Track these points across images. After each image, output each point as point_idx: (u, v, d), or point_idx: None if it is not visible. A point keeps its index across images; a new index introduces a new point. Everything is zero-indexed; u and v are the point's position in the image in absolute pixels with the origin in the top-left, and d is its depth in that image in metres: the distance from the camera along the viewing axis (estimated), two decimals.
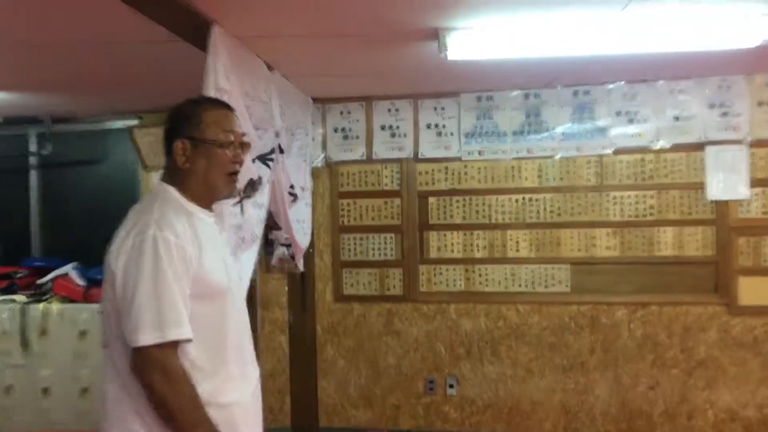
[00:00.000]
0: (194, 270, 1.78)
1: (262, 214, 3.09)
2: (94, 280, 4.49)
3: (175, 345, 1.72)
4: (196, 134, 1.87)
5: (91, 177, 5.13)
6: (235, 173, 1.94)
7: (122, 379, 1.78)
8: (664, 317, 4.20)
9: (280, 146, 3.43)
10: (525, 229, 4.39)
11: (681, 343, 4.18)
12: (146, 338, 1.68)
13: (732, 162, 4.10)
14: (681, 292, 4.18)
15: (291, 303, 4.62)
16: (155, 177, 4.77)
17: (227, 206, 2.60)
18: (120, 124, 4.89)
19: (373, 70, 3.88)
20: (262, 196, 3.10)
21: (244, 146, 1.96)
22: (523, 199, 4.39)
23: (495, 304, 4.38)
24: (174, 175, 1.91)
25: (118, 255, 1.76)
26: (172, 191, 1.88)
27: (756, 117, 4.08)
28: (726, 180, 4.11)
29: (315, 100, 4.50)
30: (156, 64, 3.36)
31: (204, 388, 1.77)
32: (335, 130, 4.62)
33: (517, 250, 4.39)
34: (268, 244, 4.34)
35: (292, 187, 3.70)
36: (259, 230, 3.04)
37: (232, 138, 1.91)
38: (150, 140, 4.75)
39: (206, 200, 1.93)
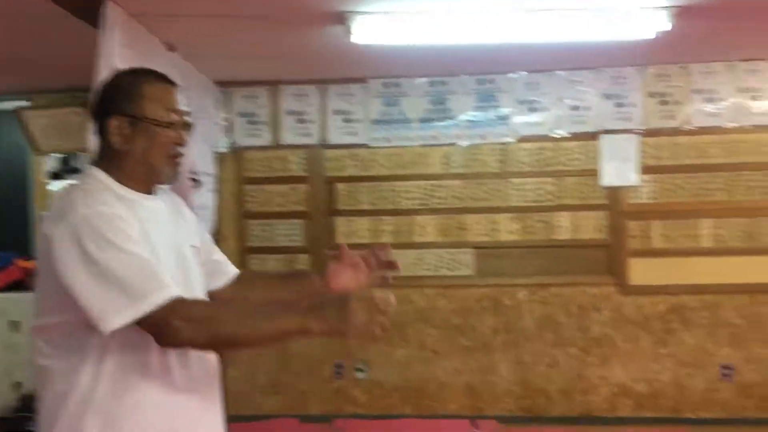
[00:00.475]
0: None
1: None
2: None
3: (173, 302, 1.48)
4: (135, 111, 1.61)
5: None
6: (178, 155, 1.70)
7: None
8: (562, 298, 4.38)
9: None
10: (431, 215, 4.46)
11: (578, 322, 4.38)
12: (119, 319, 1.46)
13: (624, 150, 4.31)
14: (577, 273, 4.38)
15: None
16: (49, 161, 4.55)
17: None
18: (7, 105, 4.60)
19: (279, 54, 3.83)
20: None
21: (187, 126, 1.71)
22: (430, 185, 4.47)
23: (402, 288, 4.44)
24: (106, 157, 1.66)
25: (51, 251, 1.51)
26: (99, 174, 1.64)
27: (647, 107, 4.30)
28: (618, 167, 4.32)
29: (219, 84, 4.40)
30: (46, 42, 3.19)
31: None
32: (240, 115, 4.54)
33: (424, 235, 4.47)
34: None
35: (194, 172, 3.61)
36: None
37: (175, 117, 1.66)
38: (43, 123, 4.51)
39: (145, 184, 1.68)
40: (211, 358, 1.72)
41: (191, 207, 3.60)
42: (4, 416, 4.26)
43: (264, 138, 4.52)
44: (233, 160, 4.55)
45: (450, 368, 4.46)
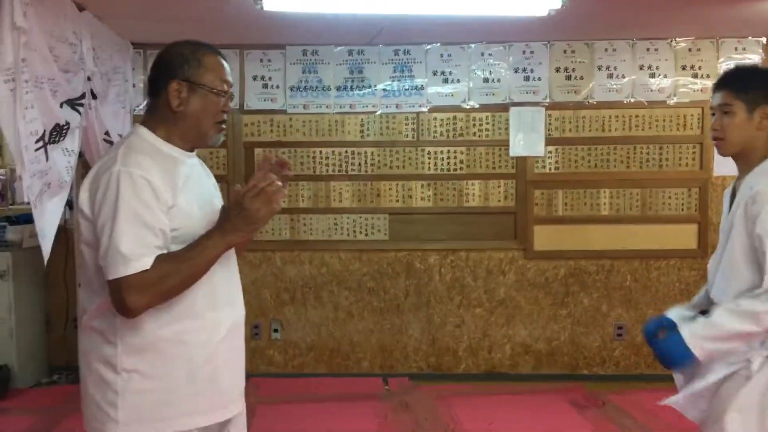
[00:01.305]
0: (168, 207, 1.72)
1: (72, 161, 3.02)
2: None
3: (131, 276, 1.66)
4: (195, 77, 1.80)
5: None
6: (223, 122, 1.88)
7: (88, 317, 1.79)
8: (471, 262, 4.60)
9: (92, 91, 3.34)
10: (347, 181, 4.59)
11: (484, 285, 4.61)
12: (113, 271, 1.65)
13: (531, 122, 4.53)
14: (485, 239, 4.60)
15: None
16: None
17: (28, 153, 2.53)
18: None
19: (194, 17, 3.85)
20: (72, 143, 3.03)
21: (231, 97, 1.91)
22: (346, 152, 4.59)
23: (318, 252, 4.58)
24: (158, 117, 1.83)
25: (86, 195, 1.73)
26: (144, 131, 1.82)
27: (553, 81, 4.52)
28: (526, 138, 4.53)
29: (135, 45, 4.37)
30: None
31: (167, 330, 1.74)
32: None
33: (340, 201, 4.60)
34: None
35: (107, 134, 3.62)
36: (68, 177, 2.97)
37: (226, 87, 1.85)
38: None
39: (190, 144, 1.87)
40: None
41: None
42: None
43: None
44: None
45: (363, 328, 4.64)
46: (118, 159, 1.71)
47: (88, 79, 3.26)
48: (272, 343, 4.64)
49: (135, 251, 1.64)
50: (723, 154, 2.16)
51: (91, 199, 1.71)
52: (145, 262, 1.65)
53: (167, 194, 1.72)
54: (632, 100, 4.50)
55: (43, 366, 4.79)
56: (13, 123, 2.40)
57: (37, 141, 2.62)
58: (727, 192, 2.26)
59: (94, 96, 3.35)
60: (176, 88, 1.78)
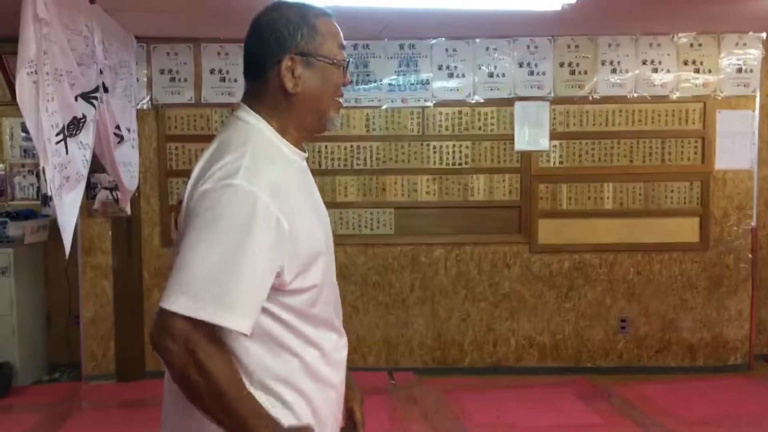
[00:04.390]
0: (287, 245, 1.34)
1: (87, 155, 2.98)
2: None
3: (212, 328, 1.28)
4: (311, 49, 1.43)
5: None
6: (342, 98, 1.54)
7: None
8: (476, 256, 4.62)
9: (104, 84, 3.31)
10: (353, 175, 4.59)
11: (489, 278, 4.63)
12: (177, 305, 1.26)
13: (536, 117, 4.55)
14: (490, 233, 4.62)
15: (115, 248, 4.49)
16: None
17: (50, 146, 2.50)
18: None
19: (201, 9, 3.82)
20: (87, 136, 2.99)
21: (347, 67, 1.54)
22: (351, 146, 4.58)
23: None
24: (266, 104, 1.46)
25: (195, 199, 1.32)
26: (265, 126, 1.44)
27: (558, 76, 4.55)
28: (530, 133, 4.56)
29: (139, 39, 4.33)
30: None
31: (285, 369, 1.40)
32: (161, 72, 4.50)
33: (346, 195, 4.59)
34: (89, 188, 4.18)
35: (117, 128, 3.59)
36: (84, 171, 2.94)
37: (345, 56, 1.49)
38: None
39: (306, 133, 1.51)
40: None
41: (114, 163, 3.60)
42: None
43: (185, 96, 4.50)
44: (154, 117, 4.51)
45: (368, 323, 4.64)
46: (242, 169, 1.31)
47: (100, 72, 3.23)
48: None
49: (243, 303, 1.28)
50: None
51: (197, 204, 1.31)
52: (243, 325, 1.28)
53: (289, 226, 1.33)
54: (635, 95, 4.54)
55: (44, 363, 4.74)
56: (36, 115, 2.37)
57: (58, 134, 2.59)
58: None
59: (105, 89, 3.32)
60: (288, 65, 1.42)
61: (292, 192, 1.38)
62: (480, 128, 4.58)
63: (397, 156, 4.59)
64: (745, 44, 4.51)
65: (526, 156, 4.58)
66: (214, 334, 1.29)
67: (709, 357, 4.65)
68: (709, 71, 4.52)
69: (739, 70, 4.52)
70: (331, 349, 1.51)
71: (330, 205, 4.57)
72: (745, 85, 4.52)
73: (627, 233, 4.61)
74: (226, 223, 1.28)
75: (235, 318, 1.27)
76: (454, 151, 4.59)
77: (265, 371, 1.38)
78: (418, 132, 4.58)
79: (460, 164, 4.59)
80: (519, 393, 4.31)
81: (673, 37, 4.52)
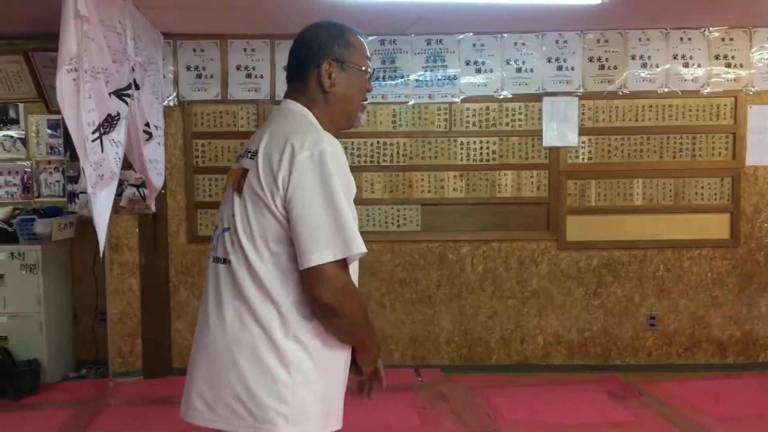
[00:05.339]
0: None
1: (120, 152, 2.98)
2: None
3: (345, 263, 1.65)
4: (345, 57, 1.79)
5: None
6: (366, 101, 1.90)
7: (248, 301, 1.68)
8: (503, 252, 4.59)
9: (135, 81, 3.29)
10: (379, 172, 4.56)
11: (517, 275, 4.60)
12: (325, 256, 1.59)
13: (564, 112, 4.50)
14: (518, 229, 4.58)
15: (142, 245, 4.49)
16: None
17: (88, 143, 2.49)
18: None
19: (228, 5, 3.80)
20: (119, 134, 2.98)
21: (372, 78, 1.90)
22: (378, 143, 4.55)
23: None
24: (307, 101, 1.80)
25: (290, 168, 1.62)
26: (311, 115, 1.79)
27: (586, 71, 4.49)
28: (559, 129, 4.51)
29: (165, 35, 4.32)
30: None
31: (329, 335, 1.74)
32: (188, 69, 4.48)
33: (372, 192, 4.57)
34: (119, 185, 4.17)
35: (147, 125, 3.58)
36: (117, 168, 2.93)
37: (371, 66, 1.86)
38: None
39: (336, 127, 1.83)
40: None
41: (142, 161, 3.59)
42: None
43: (212, 92, 4.48)
44: (180, 114, 4.50)
45: (395, 320, 4.62)
46: (323, 137, 1.67)
47: (132, 69, 3.22)
48: None
49: (357, 235, 1.65)
50: None
51: (300, 174, 1.61)
52: (362, 245, 1.65)
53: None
54: (666, 90, 4.48)
55: (71, 360, 4.75)
56: (76, 113, 2.37)
57: (94, 132, 2.58)
58: None
59: (136, 86, 3.31)
60: (327, 68, 1.77)
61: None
62: (508, 124, 4.54)
63: (423, 152, 4.56)
64: None
65: (555, 152, 4.54)
66: (347, 267, 1.67)
67: (739, 354, 4.60)
68: (741, 66, 4.46)
69: None
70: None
71: (356, 201, 4.52)
72: None
73: (656, 230, 4.56)
74: (327, 182, 1.60)
75: (360, 245, 1.64)
76: (481, 147, 4.55)
77: None
78: (445, 128, 4.54)
79: (487, 160, 4.56)
80: (548, 390, 4.27)
81: (704, 31, 4.46)
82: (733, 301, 4.57)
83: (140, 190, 4.28)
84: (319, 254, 1.59)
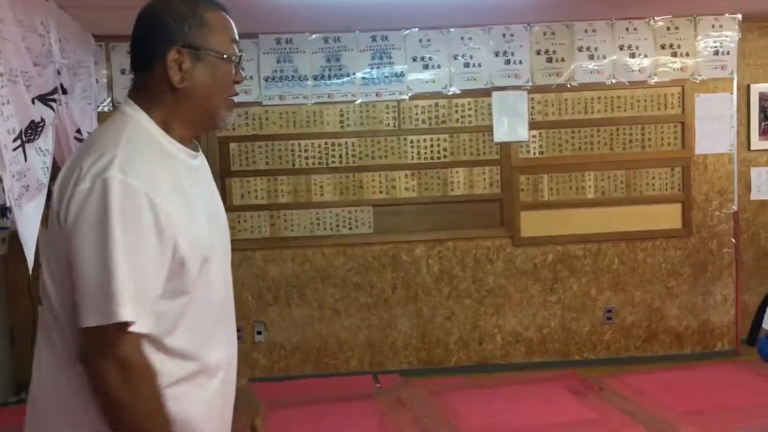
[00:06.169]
0: (170, 234, 1.31)
1: (47, 161, 2.77)
2: None
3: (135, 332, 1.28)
4: (200, 42, 1.38)
5: None
6: (235, 95, 1.49)
7: (58, 356, 1.37)
8: (458, 251, 4.50)
9: (62, 86, 3.09)
10: (328, 174, 4.43)
11: (473, 274, 4.52)
12: (95, 318, 1.25)
13: (514, 106, 4.44)
14: (472, 227, 4.51)
15: None
16: None
17: (8, 153, 2.29)
18: None
19: None
20: (46, 141, 2.78)
21: (242, 63, 1.50)
22: (326, 143, 4.42)
23: (301, 249, 4.40)
24: (151, 97, 1.40)
25: (69, 201, 1.28)
26: (144, 118, 1.39)
27: (535, 65, 4.44)
28: (509, 123, 4.45)
29: (97, 37, 4.10)
30: None
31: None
32: (122, 72, 4.27)
33: (322, 195, 4.43)
34: (49, 196, 3.94)
35: (78, 131, 3.37)
36: (44, 179, 2.73)
37: (237, 50, 1.45)
38: None
39: (194, 130, 1.46)
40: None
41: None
42: None
43: None
44: None
45: (350, 325, 4.49)
46: (116, 160, 1.28)
47: (58, 72, 3.01)
48: (256, 347, 4.44)
49: (137, 301, 1.26)
50: None
51: (77, 210, 1.27)
52: (145, 325, 1.28)
53: (171, 215, 1.31)
54: (613, 81, 4.46)
55: (9, 384, 4.48)
56: None
57: (15, 140, 2.38)
58: None
59: (64, 91, 3.10)
60: (176, 58, 1.37)
61: (177, 184, 1.37)
62: (458, 120, 4.45)
63: (373, 152, 4.44)
64: (721, 26, 4.46)
65: (506, 147, 4.47)
66: (137, 341, 1.29)
67: (696, 344, 4.61)
68: (687, 54, 4.47)
69: (716, 53, 4.47)
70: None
71: (305, 205, 4.42)
72: (722, 68, 4.48)
73: (610, 222, 4.53)
74: (103, 224, 1.25)
75: (134, 314, 1.26)
76: (432, 145, 4.45)
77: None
78: (395, 126, 4.43)
79: (438, 158, 4.46)
80: (509, 390, 4.20)
81: (649, 20, 4.45)
82: (688, 291, 4.58)
83: None
84: (86, 316, 1.26)
